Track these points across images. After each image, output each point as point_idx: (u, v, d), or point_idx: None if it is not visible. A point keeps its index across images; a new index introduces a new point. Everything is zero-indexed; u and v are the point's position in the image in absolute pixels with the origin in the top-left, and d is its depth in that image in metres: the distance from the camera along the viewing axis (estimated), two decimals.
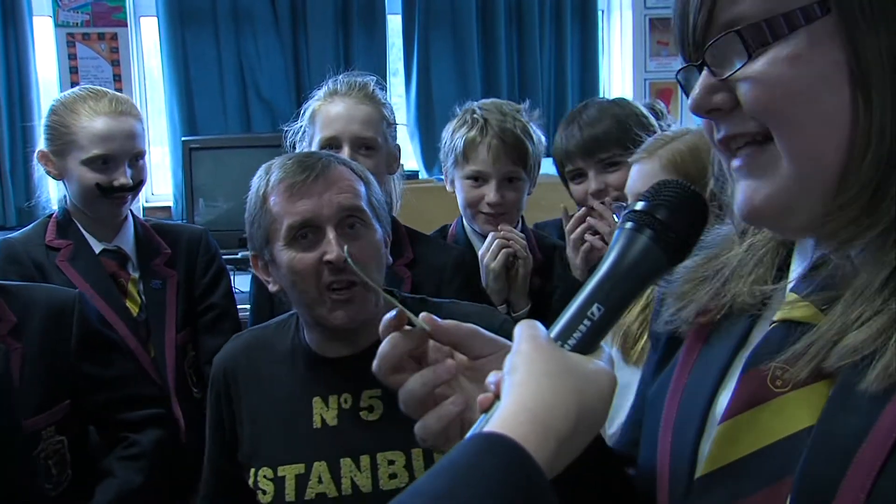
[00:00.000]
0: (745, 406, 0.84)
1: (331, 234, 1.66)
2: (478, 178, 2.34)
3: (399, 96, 5.23)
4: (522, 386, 0.78)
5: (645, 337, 1.80)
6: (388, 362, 0.94)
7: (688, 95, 0.88)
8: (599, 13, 5.42)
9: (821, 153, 0.79)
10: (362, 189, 1.73)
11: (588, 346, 0.86)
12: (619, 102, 2.33)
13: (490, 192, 2.32)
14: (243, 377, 1.82)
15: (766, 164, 0.82)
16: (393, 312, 0.95)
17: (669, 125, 2.48)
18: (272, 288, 1.78)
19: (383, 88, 2.39)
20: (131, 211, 2.53)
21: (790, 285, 0.88)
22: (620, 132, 2.17)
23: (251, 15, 4.90)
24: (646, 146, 1.82)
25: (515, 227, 2.42)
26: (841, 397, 0.77)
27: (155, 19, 4.83)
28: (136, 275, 2.46)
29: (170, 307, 2.45)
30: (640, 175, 1.77)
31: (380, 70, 5.07)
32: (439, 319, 0.96)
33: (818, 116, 0.78)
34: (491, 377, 0.84)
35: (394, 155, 2.38)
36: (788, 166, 0.81)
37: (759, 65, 0.80)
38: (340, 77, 2.37)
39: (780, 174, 0.81)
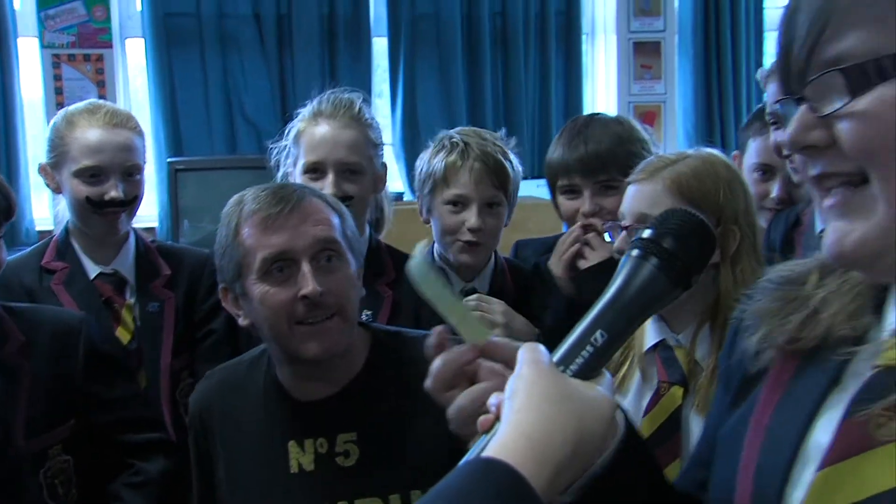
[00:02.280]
0: (847, 454, 0.81)
1: (306, 268, 1.62)
2: (458, 203, 2.26)
3: (384, 117, 5.24)
4: (522, 412, 0.78)
5: (626, 366, 1.77)
6: (442, 378, 0.94)
7: (779, 127, 0.87)
8: (584, 36, 5.46)
9: None
10: (336, 221, 1.69)
11: (590, 371, 0.86)
12: (622, 121, 2.27)
13: (471, 217, 2.23)
14: (219, 418, 1.77)
15: (860, 207, 0.80)
16: (435, 330, 0.95)
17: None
18: (242, 322, 1.72)
19: (369, 104, 2.35)
20: (135, 230, 2.46)
21: (891, 326, 0.85)
22: (623, 155, 2.12)
23: (237, 37, 4.91)
24: (645, 166, 1.78)
25: (488, 263, 2.38)
26: None
27: (141, 41, 4.83)
28: (132, 300, 2.38)
29: (166, 331, 2.38)
30: (640, 195, 1.73)
31: (365, 91, 5.06)
32: (495, 337, 0.95)
33: None
34: (492, 399, 0.84)
35: (379, 175, 2.35)
36: (885, 210, 0.78)
37: (861, 104, 0.77)
38: (326, 95, 2.33)
39: (874, 218, 0.79)
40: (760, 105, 2.47)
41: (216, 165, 4.35)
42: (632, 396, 1.74)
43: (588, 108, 5.47)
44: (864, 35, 0.77)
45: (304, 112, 2.33)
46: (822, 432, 0.84)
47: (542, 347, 0.85)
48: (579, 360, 0.86)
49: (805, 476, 0.84)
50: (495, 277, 2.38)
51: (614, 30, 5.42)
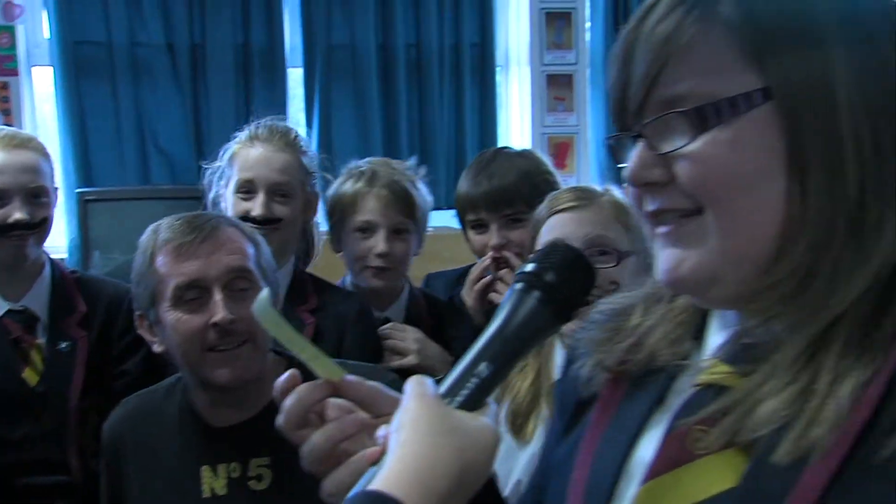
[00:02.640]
0: (668, 467, 0.85)
1: (217, 296, 1.64)
2: (366, 230, 2.30)
3: None
4: (407, 445, 0.80)
5: (534, 412, 1.77)
6: (294, 416, 0.95)
7: (616, 161, 0.90)
8: (498, 68, 5.53)
9: (753, 235, 0.81)
10: (251, 251, 1.72)
11: (475, 402, 0.88)
12: (527, 155, 2.31)
13: (379, 243, 2.28)
14: (132, 445, 1.77)
15: (692, 235, 0.84)
16: (286, 374, 0.96)
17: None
18: (157, 348, 1.75)
19: (302, 137, 2.39)
20: (52, 260, 2.37)
21: (711, 349, 0.90)
22: (528, 189, 2.15)
23: (150, 66, 4.84)
24: (578, 194, 1.79)
25: (402, 291, 2.39)
26: (760, 463, 0.78)
27: (49, 69, 4.73)
28: (42, 339, 2.30)
29: (77, 372, 2.28)
30: (588, 221, 1.74)
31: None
32: (347, 375, 0.97)
33: (754, 201, 0.80)
34: (380, 431, 0.87)
35: (311, 202, 2.37)
36: (717, 241, 0.82)
37: (699, 146, 0.81)
38: (263, 121, 2.37)
39: (708, 247, 0.83)
40: None
41: (128, 196, 4.28)
42: (542, 431, 1.75)
43: (502, 139, 5.54)
44: (700, 78, 0.81)
45: (241, 136, 2.36)
46: (646, 449, 0.88)
47: (428, 380, 0.87)
48: (464, 392, 0.87)
49: (629, 491, 0.88)
50: (410, 307, 2.41)
51: (528, 62, 5.51)
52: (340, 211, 2.33)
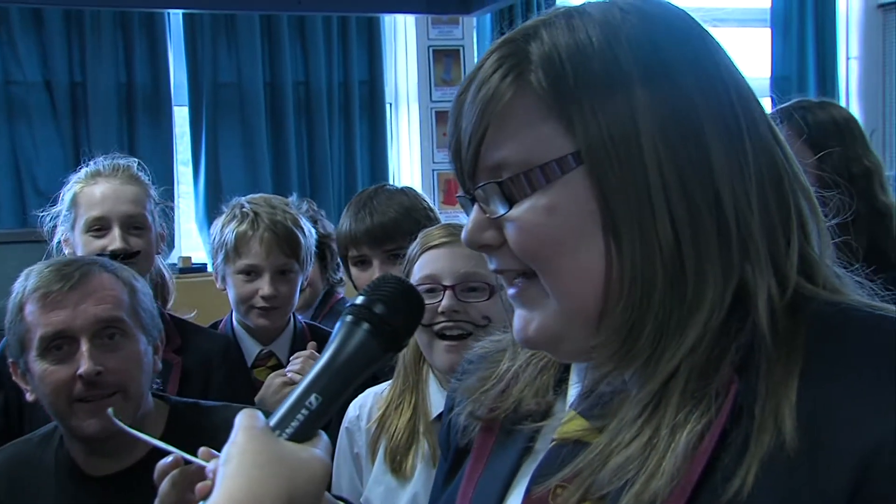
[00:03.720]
0: None
1: (84, 347, 1.60)
2: (250, 273, 2.30)
3: (188, 185, 5.14)
4: (233, 477, 0.81)
5: (413, 449, 1.77)
6: (168, 500, 0.97)
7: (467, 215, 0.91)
8: (387, 105, 5.56)
9: (580, 296, 0.83)
10: (125, 298, 1.67)
11: (305, 433, 0.88)
12: (407, 192, 2.35)
13: (264, 286, 2.28)
14: (6, 494, 1.70)
15: (535, 297, 0.86)
16: (168, 458, 0.95)
17: None
18: (29, 397, 1.70)
19: (144, 171, 2.35)
20: None
21: (572, 397, 0.92)
22: (409, 223, 2.17)
23: (26, 104, 4.71)
24: (451, 231, 1.80)
25: (287, 324, 2.39)
26: None
27: None
28: None
29: None
30: (459, 256, 1.73)
31: (167, 161, 4.97)
32: (215, 452, 0.96)
33: (575, 263, 0.82)
34: (210, 465, 0.88)
35: (162, 235, 2.35)
36: (554, 302, 0.84)
37: (520, 212, 0.83)
38: (100, 159, 2.33)
39: (548, 308, 0.85)
40: None
41: (4, 239, 4.13)
42: (422, 467, 1.74)
43: (393, 176, 5.56)
44: (517, 144, 0.83)
45: (79, 175, 2.31)
46: (516, 500, 0.90)
47: (258, 413, 0.88)
48: (294, 424, 0.88)
49: None
50: (296, 340, 2.42)
51: (416, 99, 5.55)
52: (224, 252, 2.32)
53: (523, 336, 0.88)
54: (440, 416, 1.74)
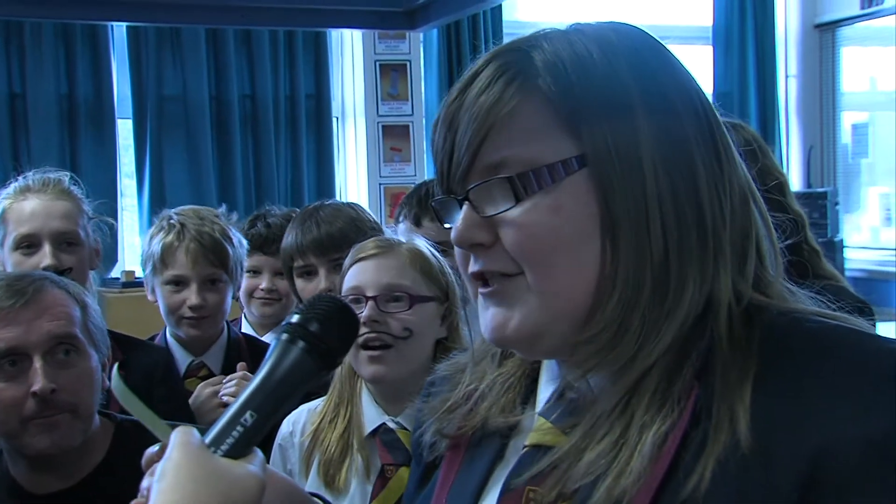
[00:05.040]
0: None
1: (37, 364, 1.56)
2: (178, 283, 2.29)
3: (132, 198, 5.08)
4: (166, 492, 0.83)
5: (346, 464, 1.77)
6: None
7: (441, 222, 0.93)
8: (334, 119, 5.56)
9: (571, 294, 0.85)
10: (77, 314, 1.64)
11: (240, 450, 0.89)
12: (354, 206, 2.37)
13: (192, 296, 2.27)
14: None
15: (514, 294, 0.87)
16: (155, 447, 0.93)
17: None
18: None
19: (77, 185, 2.31)
20: None
21: (539, 409, 0.94)
22: (355, 234, 2.18)
23: None
24: (377, 242, 1.82)
25: (220, 335, 2.40)
26: None
27: None
28: None
29: None
30: (385, 268, 1.77)
31: (111, 173, 4.92)
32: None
33: (572, 262, 0.85)
34: (144, 482, 0.88)
35: (95, 250, 2.32)
36: (537, 301, 0.86)
37: (522, 211, 0.85)
38: (30, 174, 2.28)
39: (530, 305, 0.86)
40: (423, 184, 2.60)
41: None
42: (356, 483, 1.74)
43: (340, 190, 5.55)
44: (522, 146, 0.86)
45: (7, 191, 2.27)
46: (489, 502, 0.92)
47: (193, 429, 0.89)
48: (230, 440, 0.89)
49: None
50: (229, 351, 2.41)
51: (363, 113, 5.56)
52: (152, 264, 2.31)
53: (500, 334, 0.89)
54: (374, 432, 1.75)
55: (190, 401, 2.26)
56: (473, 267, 0.90)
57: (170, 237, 2.28)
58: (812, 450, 0.75)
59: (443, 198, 0.93)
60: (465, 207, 0.89)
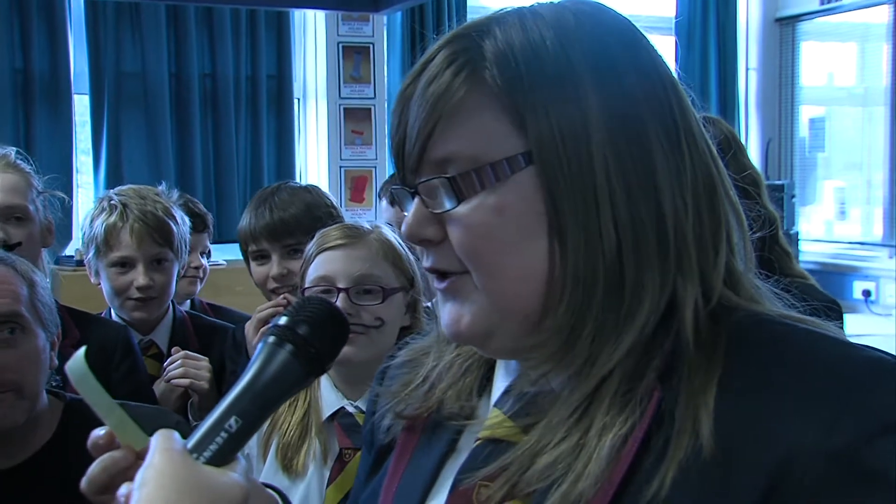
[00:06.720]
0: None
1: None
2: (124, 264, 2.26)
3: (88, 175, 5.01)
4: (147, 500, 0.79)
5: (305, 447, 1.77)
6: (97, 482, 0.89)
7: (400, 207, 0.90)
8: (295, 101, 5.51)
9: (517, 296, 0.83)
10: (24, 292, 1.61)
11: (224, 457, 0.86)
12: (311, 189, 2.34)
13: (139, 277, 2.25)
14: None
15: (466, 292, 0.85)
16: (101, 430, 0.90)
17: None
18: None
19: (26, 160, 2.25)
20: None
21: (494, 400, 0.92)
22: (309, 220, 2.17)
23: None
24: (347, 232, 1.81)
25: (166, 313, 2.38)
26: None
27: None
28: None
29: None
30: (355, 258, 1.76)
31: (66, 150, 4.84)
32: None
33: (517, 263, 0.82)
34: (122, 489, 0.84)
35: (48, 227, 2.27)
36: (485, 300, 0.84)
37: (466, 210, 0.82)
38: None
39: (478, 303, 0.85)
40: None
41: None
42: (314, 467, 1.74)
43: (300, 172, 5.51)
44: (468, 141, 0.83)
45: None
46: (439, 499, 0.90)
47: (175, 434, 0.85)
48: (213, 447, 0.85)
49: None
50: (176, 330, 2.40)
51: (325, 95, 5.52)
52: (95, 246, 2.27)
53: (455, 330, 0.87)
54: (332, 416, 1.75)
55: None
56: (426, 262, 0.89)
57: (112, 218, 2.25)
58: (775, 459, 0.73)
59: (398, 188, 0.90)
60: (416, 201, 0.87)
